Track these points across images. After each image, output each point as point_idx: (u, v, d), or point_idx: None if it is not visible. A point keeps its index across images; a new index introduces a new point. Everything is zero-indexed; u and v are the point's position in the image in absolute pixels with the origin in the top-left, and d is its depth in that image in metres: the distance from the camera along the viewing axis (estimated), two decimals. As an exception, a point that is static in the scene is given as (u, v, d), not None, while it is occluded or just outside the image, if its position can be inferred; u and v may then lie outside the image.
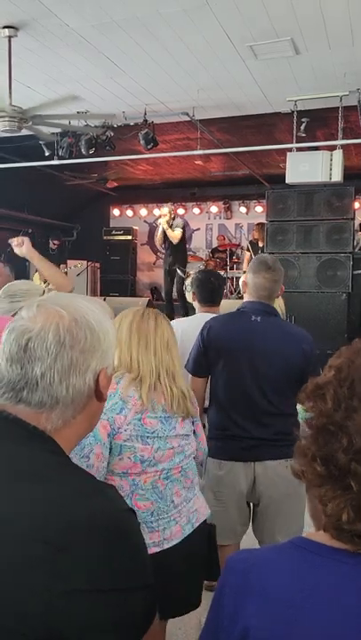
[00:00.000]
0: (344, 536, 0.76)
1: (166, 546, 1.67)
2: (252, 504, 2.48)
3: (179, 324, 2.94)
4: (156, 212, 12.31)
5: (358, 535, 0.74)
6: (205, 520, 1.86)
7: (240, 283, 9.39)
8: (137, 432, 1.62)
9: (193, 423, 1.85)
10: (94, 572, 0.72)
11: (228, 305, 10.08)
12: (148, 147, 6.76)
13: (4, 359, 0.86)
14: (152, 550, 1.63)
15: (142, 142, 6.73)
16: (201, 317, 2.91)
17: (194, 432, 1.87)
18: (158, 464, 1.67)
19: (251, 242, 9.17)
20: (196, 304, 2.99)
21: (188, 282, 9.04)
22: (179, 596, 1.72)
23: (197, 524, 1.78)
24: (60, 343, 0.85)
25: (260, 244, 8.35)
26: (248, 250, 9.06)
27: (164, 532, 1.67)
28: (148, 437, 1.64)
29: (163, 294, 8.51)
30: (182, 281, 8.54)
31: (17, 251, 2.80)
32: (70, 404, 0.86)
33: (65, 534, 0.73)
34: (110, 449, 1.62)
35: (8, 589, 0.70)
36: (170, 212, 8.23)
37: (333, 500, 0.75)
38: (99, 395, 0.90)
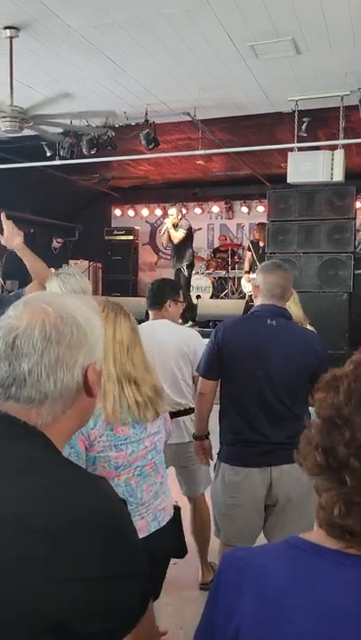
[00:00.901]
0: (336, 532, 0.76)
1: None
2: (266, 505, 2.47)
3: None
4: (158, 212, 12.36)
5: (349, 531, 0.74)
6: (172, 519, 1.85)
7: (242, 283, 9.47)
8: (110, 442, 1.61)
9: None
10: (94, 560, 0.75)
11: (230, 305, 10.07)
12: (150, 147, 6.76)
13: None
14: None
15: (143, 142, 6.73)
16: (143, 326, 2.78)
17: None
18: (132, 464, 1.67)
19: (252, 242, 9.17)
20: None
21: (192, 282, 9.09)
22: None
23: (164, 523, 1.78)
24: (46, 339, 0.85)
25: (262, 244, 8.36)
26: (249, 250, 9.07)
27: None
28: (121, 444, 1.63)
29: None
30: (186, 282, 8.58)
31: (3, 242, 2.84)
32: (59, 399, 0.87)
33: (65, 525, 0.75)
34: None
35: (10, 582, 0.71)
36: (177, 213, 8.26)
37: (328, 491, 0.76)
38: (88, 390, 0.91)
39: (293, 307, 3.23)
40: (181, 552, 1.94)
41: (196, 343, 2.91)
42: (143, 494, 1.71)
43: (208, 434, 2.71)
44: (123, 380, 1.65)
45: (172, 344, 2.83)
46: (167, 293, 2.98)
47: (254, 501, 2.41)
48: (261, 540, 2.51)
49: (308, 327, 3.26)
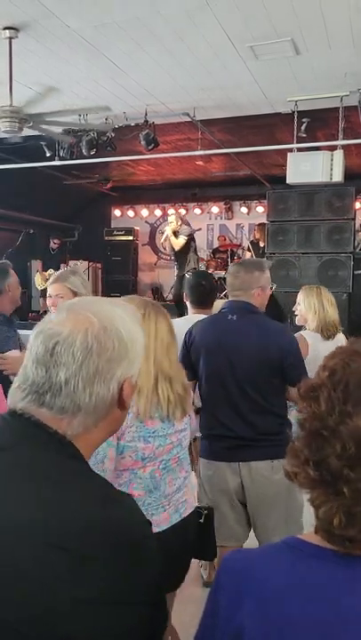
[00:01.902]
0: (335, 540, 0.76)
1: (155, 530, 1.72)
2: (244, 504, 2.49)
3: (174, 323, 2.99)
4: (158, 212, 12.36)
5: (349, 539, 0.74)
6: (195, 510, 1.91)
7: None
8: (139, 433, 1.66)
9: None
10: (107, 582, 0.72)
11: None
12: (149, 147, 6.76)
13: (30, 360, 0.86)
14: None
15: (143, 143, 6.73)
16: (192, 318, 2.94)
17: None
18: (158, 457, 1.72)
19: (252, 242, 9.18)
20: (188, 304, 3.02)
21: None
22: (164, 577, 1.78)
23: (185, 515, 1.82)
24: (86, 350, 0.83)
25: (262, 245, 8.36)
26: (249, 250, 9.08)
27: (151, 517, 1.71)
28: (149, 437, 1.68)
29: (172, 296, 8.65)
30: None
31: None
32: (92, 412, 0.85)
33: (81, 542, 0.73)
34: None
35: (22, 594, 0.70)
36: (176, 221, 8.27)
37: (325, 504, 0.75)
38: (122, 403, 0.89)
39: (331, 309, 3.22)
40: (212, 553, 1.97)
41: None
42: (167, 487, 1.75)
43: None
44: (159, 376, 1.70)
45: None
46: (216, 292, 3.08)
47: (227, 496, 2.43)
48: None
49: (340, 333, 3.23)
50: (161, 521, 1.73)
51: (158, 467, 1.72)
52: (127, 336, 0.88)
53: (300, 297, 3.30)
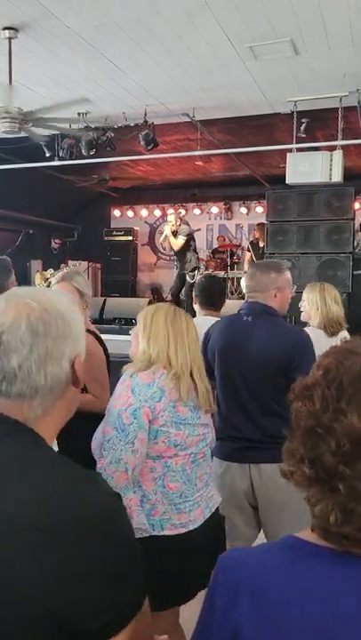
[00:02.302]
0: (331, 537, 0.76)
1: (191, 527, 1.78)
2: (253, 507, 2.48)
3: None
4: (157, 212, 12.36)
5: (346, 537, 0.74)
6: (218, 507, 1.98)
7: (241, 283, 9.46)
8: (172, 418, 1.72)
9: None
10: (87, 559, 0.74)
11: (229, 305, 10.11)
12: (149, 147, 6.77)
13: None
14: (180, 531, 1.76)
15: (142, 143, 6.74)
16: (201, 320, 2.96)
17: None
18: (188, 448, 1.78)
19: (251, 242, 9.18)
20: (197, 307, 3.04)
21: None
22: (197, 574, 1.80)
23: (213, 510, 1.90)
24: (33, 333, 0.86)
25: (262, 244, 8.37)
26: (249, 250, 9.08)
27: (189, 514, 1.79)
28: (180, 424, 1.75)
29: (170, 294, 8.65)
30: (190, 285, 8.62)
31: None
32: (49, 393, 0.87)
33: (56, 523, 0.75)
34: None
35: (5, 582, 0.72)
36: (175, 220, 8.28)
37: (321, 502, 0.76)
38: (75, 381, 0.91)
39: (334, 306, 3.23)
40: (222, 546, 1.99)
41: None
42: (198, 482, 1.82)
43: None
44: (193, 366, 1.80)
45: None
46: (225, 295, 3.11)
47: (235, 497, 2.42)
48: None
49: (344, 330, 3.23)
50: (197, 517, 1.80)
51: (188, 460, 1.79)
52: (68, 314, 0.91)
53: (305, 294, 3.33)
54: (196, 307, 3.04)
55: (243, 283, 2.53)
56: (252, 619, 0.76)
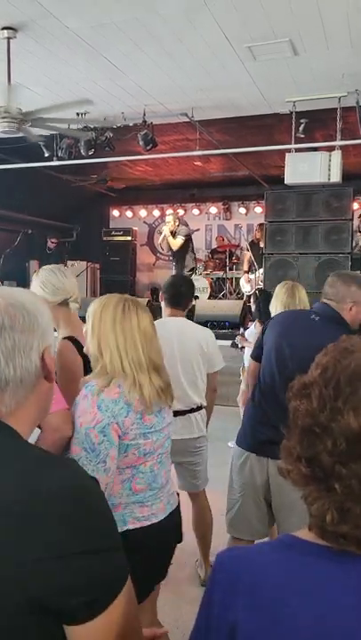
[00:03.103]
0: (328, 536, 0.76)
1: (154, 520, 1.76)
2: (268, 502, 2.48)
3: None
4: (156, 213, 12.37)
5: (343, 536, 0.74)
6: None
7: (241, 283, 9.49)
8: (139, 430, 1.68)
9: None
10: (62, 538, 0.76)
11: (228, 305, 10.10)
12: (147, 147, 6.78)
13: None
14: (143, 524, 1.73)
15: (141, 143, 6.74)
16: (165, 322, 2.91)
17: None
18: (155, 451, 1.76)
19: (251, 242, 9.20)
20: (163, 305, 3.01)
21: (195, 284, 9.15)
22: (158, 568, 1.83)
23: (175, 506, 1.89)
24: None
25: (262, 245, 8.39)
26: (248, 250, 9.09)
27: (151, 507, 1.77)
28: (148, 433, 1.71)
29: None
30: None
31: None
32: (20, 384, 0.88)
33: (28, 505, 0.76)
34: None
35: None
36: (174, 221, 8.29)
37: (318, 500, 0.76)
38: (47, 374, 0.92)
39: (277, 304, 3.27)
40: (180, 538, 2.00)
41: (213, 343, 2.98)
42: (162, 479, 1.80)
43: None
44: (150, 367, 1.72)
45: (194, 342, 2.89)
46: (192, 293, 3.06)
47: (251, 489, 2.43)
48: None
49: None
50: (159, 510, 1.79)
51: (156, 460, 1.77)
52: (33, 308, 0.92)
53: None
54: (163, 305, 3.02)
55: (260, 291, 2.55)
56: (248, 617, 0.76)
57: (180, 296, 2.96)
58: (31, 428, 0.94)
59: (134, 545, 1.44)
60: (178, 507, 1.93)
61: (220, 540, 2.76)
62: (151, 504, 1.76)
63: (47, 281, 2.27)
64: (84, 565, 0.76)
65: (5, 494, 0.77)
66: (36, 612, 0.74)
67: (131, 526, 1.69)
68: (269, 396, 2.40)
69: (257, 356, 2.62)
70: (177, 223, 8.35)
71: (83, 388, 1.68)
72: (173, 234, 8.23)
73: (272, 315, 3.29)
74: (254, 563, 0.81)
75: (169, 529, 1.83)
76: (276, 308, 3.29)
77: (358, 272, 2.68)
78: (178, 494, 2.00)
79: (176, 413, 2.72)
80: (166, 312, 2.97)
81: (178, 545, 1.95)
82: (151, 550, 1.73)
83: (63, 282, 2.27)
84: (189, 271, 8.59)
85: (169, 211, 10.61)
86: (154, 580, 1.85)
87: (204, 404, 2.96)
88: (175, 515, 1.89)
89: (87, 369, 1.88)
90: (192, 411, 2.87)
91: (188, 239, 8.47)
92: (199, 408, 2.93)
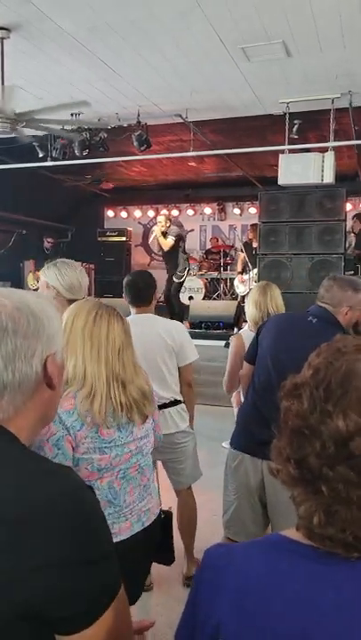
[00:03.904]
0: (315, 538, 0.76)
1: (114, 540, 1.69)
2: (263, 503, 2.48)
3: None
4: (150, 213, 12.36)
5: (329, 538, 0.74)
6: (160, 515, 1.86)
7: (235, 284, 9.51)
8: (94, 444, 1.60)
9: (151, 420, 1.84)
10: (57, 547, 0.75)
11: (223, 306, 10.10)
12: (142, 148, 6.78)
13: None
14: None
15: (135, 144, 6.74)
16: (133, 318, 2.80)
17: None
18: (115, 467, 1.66)
19: (245, 243, 9.21)
20: (129, 306, 2.97)
21: (186, 284, 9.13)
22: (126, 587, 1.75)
23: (148, 524, 1.77)
24: (2, 329, 0.86)
25: (255, 245, 8.41)
26: (242, 251, 9.11)
27: (112, 526, 1.66)
28: (105, 448, 1.62)
29: (163, 295, 8.68)
30: (177, 285, 8.64)
31: None
32: (18, 390, 0.87)
33: (25, 514, 0.76)
34: None
35: None
36: (165, 221, 8.30)
37: (305, 502, 0.76)
38: (49, 381, 0.90)
39: (252, 307, 3.25)
40: (169, 559, 1.92)
41: (181, 335, 2.89)
42: (127, 497, 1.70)
43: None
44: (111, 380, 1.64)
45: (157, 337, 2.82)
46: (154, 287, 2.96)
47: (246, 491, 2.43)
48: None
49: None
50: (122, 530, 1.69)
51: (117, 476, 1.67)
52: (41, 313, 0.91)
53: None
54: (129, 306, 2.98)
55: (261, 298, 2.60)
56: (232, 616, 0.76)
57: (140, 292, 2.87)
58: (32, 435, 0.92)
59: None
60: (155, 525, 1.80)
61: (212, 541, 2.75)
62: (112, 523, 1.64)
63: (66, 274, 2.24)
64: (81, 575, 0.76)
65: (3, 502, 0.76)
66: (31, 621, 0.74)
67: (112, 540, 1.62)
68: (264, 397, 2.39)
69: (251, 358, 2.61)
70: (168, 224, 8.35)
71: None
72: (165, 234, 8.23)
73: (246, 315, 3.31)
74: (240, 562, 0.80)
75: (134, 549, 1.69)
76: (248, 306, 3.28)
77: (353, 275, 2.66)
78: (168, 514, 1.90)
79: None
80: (133, 311, 2.91)
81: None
82: None
83: (81, 281, 2.25)
84: (182, 271, 8.58)
85: (163, 211, 10.61)
86: None
87: (179, 398, 2.89)
88: (147, 532, 1.76)
89: None
90: (164, 406, 2.80)
91: (180, 239, 8.46)
92: (173, 403, 2.86)
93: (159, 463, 2.65)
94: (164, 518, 1.89)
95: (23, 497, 0.77)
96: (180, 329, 2.94)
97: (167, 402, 2.85)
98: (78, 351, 1.64)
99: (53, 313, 0.94)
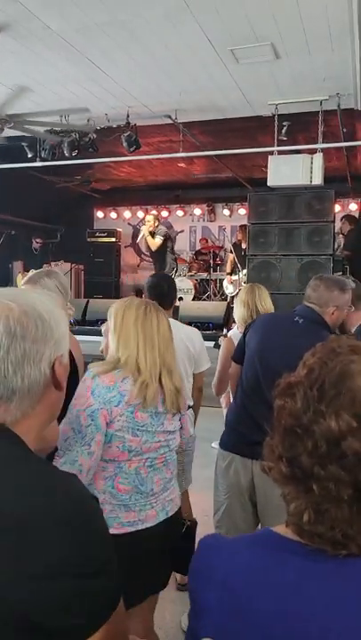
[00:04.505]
0: (304, 535, 0.77)
1: (140, 527, 1.73)
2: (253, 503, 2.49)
3: None
4: (140, 214, 12.35)
5: (319, 535, 0.75)
6: (179, 510, 1.92)
7: (224, 285, 9.54)
8: (128, 424, 1.67)
9: (180, 418, 1.92)
10: (57, 556, 0.74)
11: (212, 307, 10.11)
12: (131, 149, 6.77)
13: None
14: (126, 530, 1.70)
15: (125, 144, 6.74)
16: None
17: (181, 426, 1.94)
18: (144, 454, 1.73)
19: (234, 244, 9.23)
20: None
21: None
22: (148, 576, 1.77)
23: (171, 513, 1.84)
24: (10, 335, 0.85)
25: (244, 246, 8.43)
26: (231, 252, 9.13)
27: (139, 514, 1.73)
28: (137, 430, 1.70)
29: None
30: None
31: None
32: (27, 395, 0.86)
33: (27, 521, 0.75)
34: None
35: None
36: (153, 221, 8.29)
37: (296, 499, 0.77)
38: (56, 383, 0.91)
39: (240, 307, 3.29)
40: (187, 569, 1.95)
41: (200, 342, 2.97)
42: (154, 486, 1.77)
43: None
44: (162, 368, 1.75)
45: (180, 343, 2.87)
46: (175, 290, 3.06)
47: (237, 491, 2.44)
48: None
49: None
50: (148, 517, 1.75)
51: (144, 464, 1.73)
52: (49, 316, 0.90)
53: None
54: None
55: (248, 298, 2.68)
56: (220, 606, 0.77)
57: (165, 296, 2.95)
58: (38, 437, 0.92)
59: (117, 551, 1.42)
60: (176, 514, 1.88)
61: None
62: (139, 510, 1.72)
63: (62, 284, 2.34)
64: (81, 586, 0.75)
65: (5, 507, 0.75)
66: (28, 630, 0.72)
67: (115, 531, 1.65)
68: (253, 397, 2.40)
69: (238, 358, 2.62)
70: (156, 223, 8.34)
71: (87, 372, 1.73)
72: (153, 234, 8.23)
73: (235, 316, 3.33)
74: (229, 553, 0.82)
75: (161, 537, 1.76)
76: (236, 306, 3.31)
77: (340, 275, 2.69)
78: (193, 523, 1.96)
79: None
80: None
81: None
82: (137, 558, 1.68)
83: (67, 287, 2.35)
84: (170, 272, 8.58)
85: (153, 212, 10.60)
86: (141, 589, 1.76)
87: (191, 403, 2.94)
88: (171, 523, 1.83)
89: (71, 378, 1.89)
90: None
91: (168, 239, 8.46)
92: (187, 408, 2.93)
93: (218, 452, 2.66)
94: (188, 526, 1.95)
95: (26, 503, 0.76)
96: (199, 336, 3.03)
97: None
98: (132, 343, 1.74)
99: (61, 316, 0.93)
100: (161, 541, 1.78)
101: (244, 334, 2.60)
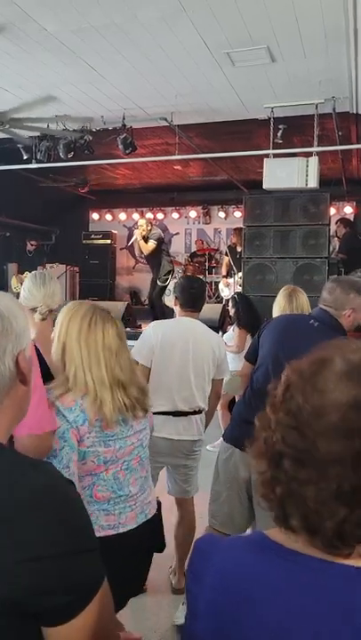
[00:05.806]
0: (290, 538, 0.78)
1: (121, 530, 1.74)
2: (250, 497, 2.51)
3: (159, 326, 2.97)
4: (135, 216, 12.36)
5: (292, 529, 0.76)
6: (158, 513, 1.93)
7: (220, 287, 9.56)
8: (99, 438, 1.67)
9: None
10: (39, 540, 0.77)
11: (208, 309, 10.14)
12: (127, 151, 6.78)
13: None
14: (108, 532, 1.70)
15: (121, 147, 6.74)
16: (181, 321, 2.94)
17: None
18: (119, 459, 1.74)
19: (229, 246, 9.25)
20: (177, 308, 3.01)
21: (170, 287, 9.15)
22: (129, 579, 1.78)
23: (150, 516, 1.84)
24: None
25: (239, 249, 8.44)
26: (227, 254, 9.14)
27: (119, 517, 1.73)
28: (109, 440, 1.70)
29: (148, 299, 8.70)
30: (160, 289, 8.63)
31: None
32: None
33: (7, 507, 0.77)
34: None
35: None
36: (146, 225, 8.27)
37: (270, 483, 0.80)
38: (22, 377, 0.92)
39: (276, 308, 3.31)
40: (161, 546, 1.97)
41: (224, 351, 3.01)
42: (131, 487, 1.77)
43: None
44: (113, 385, 1.70)
45: (207, 347, 2.89)
46: (205, 297, 3.10)
47: (235, 483, 2.47)
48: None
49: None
50: (128, 520, 1.75)
51: (121, 467, 1.74)
52: (7, 312, 0.92)
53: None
54: (177, 308, 3.02)
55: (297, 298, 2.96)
56: (211, 608, 0.78)
57: (196, 298, 2.99)
58: (8, 432, 0.94)
59: (101, 554, 1.42)
60: (156, 516, 1.89)
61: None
62: (119, 513, 1.72)
63: (26, 286, 2.34)
64: (62, 567, 0.77)
65: None
66: (14, 614, 0.74)
67: (97, 534, 1.64)
68: (262, 397, 2.41)
69: (251, 357, 2.67)
70: (149, 227, 8.32)
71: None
72: (145, 239, 8.21)
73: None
74: (221, 556, 0.82)
75: (140, 539, 1.77)
76: (275, 312, 3.35)
77: (356, 277, 2.72)
78: (159, 502, 1.96)
79: (179, 414, 2.78)
80: (181, 314, 2.99)
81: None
82: (117, 561, 1.65)
83: (36, 290, 2.30)
84: (166, 275, 8.58)
85: (148, 214, 10.61)
86: (123, 592, 1.76)
87: (206, 408, 2.96)
88: (151, 524, 1.84)
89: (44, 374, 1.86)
90: (194, 413, 2.87)
91: (161, 242, 8.45)
92: (200, 411, 2.92)
93: (221, 443, 2.68)
94: (158, 507, 1.96)
95: (6, 491, 0.78)
96: (223, 343, 3.08)
97: (197, 409, 2.89)
98: (76, 358, 1.68)
99: (19, 311, 0.95)
100: (140, 545, 1.79)
101: (259, 335, 2.64)
